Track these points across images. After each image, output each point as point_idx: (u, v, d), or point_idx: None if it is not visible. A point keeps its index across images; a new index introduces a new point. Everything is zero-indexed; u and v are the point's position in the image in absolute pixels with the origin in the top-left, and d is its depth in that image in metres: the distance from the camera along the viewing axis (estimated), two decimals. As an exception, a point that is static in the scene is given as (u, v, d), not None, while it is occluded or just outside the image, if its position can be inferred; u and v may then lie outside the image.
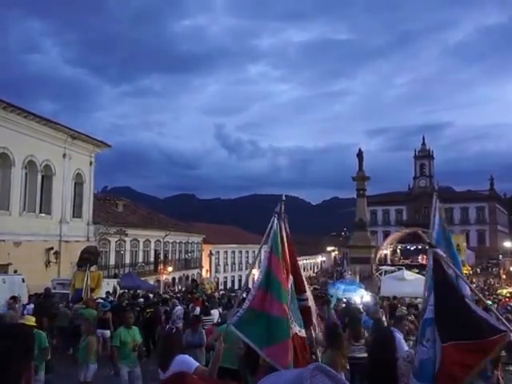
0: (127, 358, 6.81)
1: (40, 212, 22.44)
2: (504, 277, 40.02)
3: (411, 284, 17.21)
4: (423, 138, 71.00)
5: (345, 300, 14.03)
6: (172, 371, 3.55)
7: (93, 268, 15.32)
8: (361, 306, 12.12)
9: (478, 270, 45.62)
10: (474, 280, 35.04)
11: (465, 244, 47.13)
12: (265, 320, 3.49)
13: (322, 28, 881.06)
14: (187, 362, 3.71)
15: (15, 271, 18.01)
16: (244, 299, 4.06)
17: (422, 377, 3.02)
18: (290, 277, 4.13)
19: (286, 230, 4.42)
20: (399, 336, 5.07)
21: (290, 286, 3.94)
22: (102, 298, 13.96)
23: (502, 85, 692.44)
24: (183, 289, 28.85)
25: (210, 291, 22.87)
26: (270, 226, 4.07)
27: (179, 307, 12.59)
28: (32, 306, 12.65)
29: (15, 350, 1.53)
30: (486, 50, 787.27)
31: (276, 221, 4.09)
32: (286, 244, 4.27)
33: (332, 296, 14.34)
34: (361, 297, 16.45)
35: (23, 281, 16.07)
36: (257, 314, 3.52)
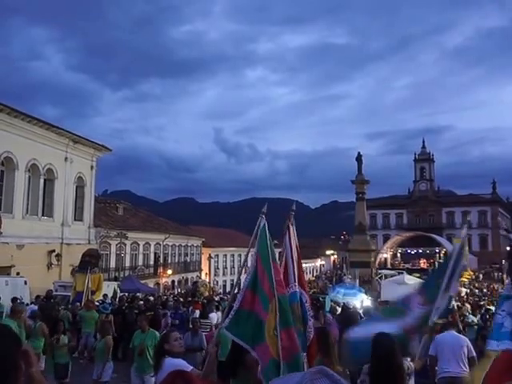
0: (137, 361, 6.73)
1: (42, 215, 22.58)
2: (507, 282, 39.47)
3: (412, 288, 17.09)
4: (423, 141, 70.38)
5: (341, 305, 13.79)
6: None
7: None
8: (361, 311, 11.96)
9: (481, 275, 45.21)
10: (476, 285, 34.73)
11: (467, 248, 46.81)
12: (254, 319, 3.51)
13: (321, 32, 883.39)
14: (181, 365, 3.60)
15: (18, 273, 18.12)
16: (234, 301, 4.05)
17: (494, 335, 4.03)
18: (297, 287, 4.01)
19: (294, 238, 4.22)
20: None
21: (286, 293, 3.79)
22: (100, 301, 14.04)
23: (503, 87, 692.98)
24: (183, 291, 28.78)
25: (206, 294, 22.78)
26: (256, 227, 3.81)
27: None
28: (32, 306, 12.74)
29: (15, 349, 1.53)
30: (486, 53, 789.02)
31: (263, 221, 3.82)
32: (294, 252, 4.15)
33: (324, 298, 14.21)
34: (361, 301, 16.37)
35: (26, 283, 16.17)
36: (246, 315, 3.55)
